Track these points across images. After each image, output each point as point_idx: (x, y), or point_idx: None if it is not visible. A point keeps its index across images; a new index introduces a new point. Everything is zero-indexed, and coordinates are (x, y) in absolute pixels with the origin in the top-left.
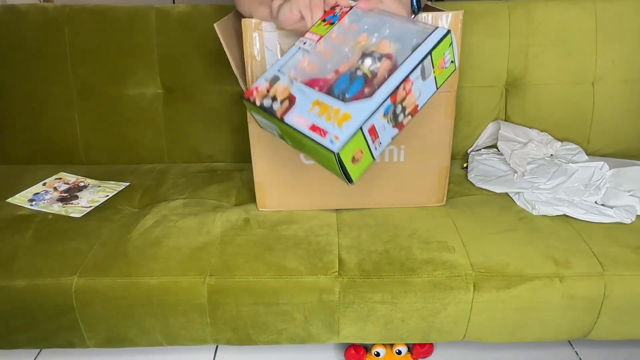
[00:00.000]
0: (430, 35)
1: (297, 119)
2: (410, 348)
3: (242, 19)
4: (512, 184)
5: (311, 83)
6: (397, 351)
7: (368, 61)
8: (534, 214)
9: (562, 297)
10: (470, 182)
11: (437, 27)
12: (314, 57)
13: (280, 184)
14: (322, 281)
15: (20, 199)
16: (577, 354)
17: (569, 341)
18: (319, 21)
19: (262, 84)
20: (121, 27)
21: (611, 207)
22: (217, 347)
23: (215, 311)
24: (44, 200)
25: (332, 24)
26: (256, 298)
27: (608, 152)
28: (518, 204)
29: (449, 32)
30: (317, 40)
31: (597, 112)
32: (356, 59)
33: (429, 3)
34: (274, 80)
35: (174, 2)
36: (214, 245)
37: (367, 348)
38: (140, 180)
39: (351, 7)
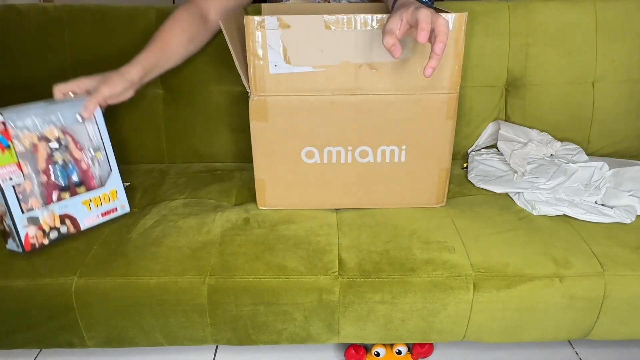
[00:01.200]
0: None
1: None
2: (410, 348)
3: (245, 16)
4: (512, 184)
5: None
6: (397, 351)
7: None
8: (534, 214)
9: (562, 297)
10: (470, 182)
11: None
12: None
13: (280, 182)
14: (322, 281)
15: None
16: (577, 354)
17: (569, 341)
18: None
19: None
20: (121, 27)
21: (611, 207)
22: (217, 347)
23: (215, 311)
24: None
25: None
26: (256, 298)
27: (608, 152)
28: (518, 204)
29: None
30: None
31: (597, 112)
32: None
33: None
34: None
35: (174, 2)
36: (214, 245)
37: (367, 348)
38: (140, 180)
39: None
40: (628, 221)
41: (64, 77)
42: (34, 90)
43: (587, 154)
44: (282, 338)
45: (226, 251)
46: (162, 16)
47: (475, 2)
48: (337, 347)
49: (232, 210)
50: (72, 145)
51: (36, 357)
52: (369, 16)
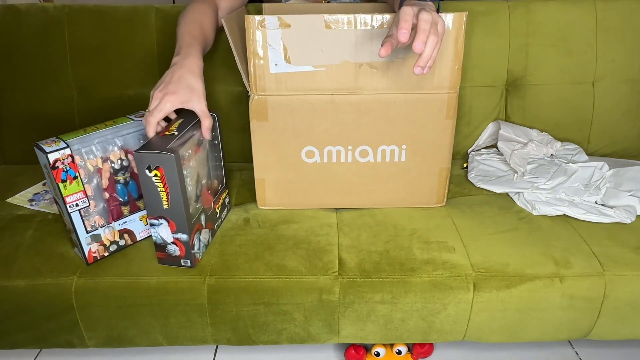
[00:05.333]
0: None
1: None
2: (410, 348)
3: (246, 16)
4: (512, 184)
5: None
6: (397, 351)
7: None
8: (534, 214)
9: (562, 297)
10: (470, 182)
11: None
12: None
13: (280, 182)
14: (322, 281)
15: (20, 199)
16: (577, 354)
17: (569, 341)
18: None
19: None
20: (121, 27)
21: (611, 207)
22: (217, 347)
23: (215, 311)
24: (44, 200)
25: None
26: (256, 298)
27: (608, 152)
28: (518, 204)
29: None
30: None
31: (597, 112)
32: None
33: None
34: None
35: (174, 2)
36: (214, 245)
37: (367, 348)
38: None
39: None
40: (628, 221)
41: (64, 77)
42: (34, 90)
43: (587, 154)
44: (282, 338)
45: (226, 251)
46: (162, 16)
47: (475, 2)
48: (337, 347)
49: (232, 210)
50: (133, 163)
51: (36, 357)
52: (369, 16)
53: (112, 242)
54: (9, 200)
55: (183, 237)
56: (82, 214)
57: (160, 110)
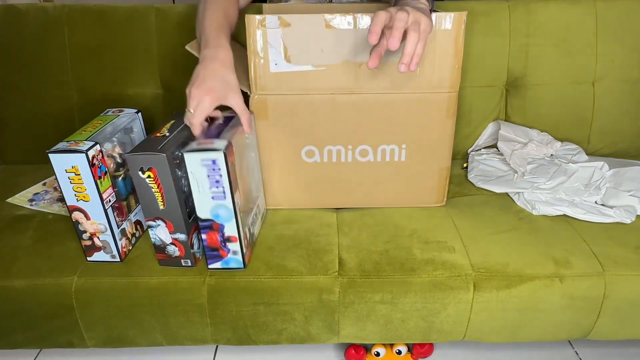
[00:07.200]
0: None
1: None
2: (410, 348)
3: (246, 15)
4: (512, 184)
5: None
6: (397, 351)
7: None
8: (534, 214)
9: (562, 297)
10: (470, 182)
11: None
12: None
13: (280, 182)
14: (322, 281)
15: (20, 199)
16: (577, 354)
17: (569, 341)
18: None
19: None
20: (121, 27)
21: (611, 207)
22: (217, 347)
23: (215, 311)
24: (44, 200)
25: None
26: (256, 298)
27: (608, 152)
28: (518, 204)
29: None
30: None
31: (597, 112)
32: None
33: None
34: None
35: (173, 2)
36: None
37: (367, 348)
38: None
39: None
40: (628, 221)
41: (64, 77)
42: (34, 90)
43: (587, 154)
44: (282, 338)
45: None
46: (162, 16)
47: (475, 2)
48: (337, 347)
49: None
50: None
51: (36, 357)
52: (369, 16)
53: (132, 235)
54: (9, 200)
55: (181, 237)
56: (112, 209)
57: (202, 111)
